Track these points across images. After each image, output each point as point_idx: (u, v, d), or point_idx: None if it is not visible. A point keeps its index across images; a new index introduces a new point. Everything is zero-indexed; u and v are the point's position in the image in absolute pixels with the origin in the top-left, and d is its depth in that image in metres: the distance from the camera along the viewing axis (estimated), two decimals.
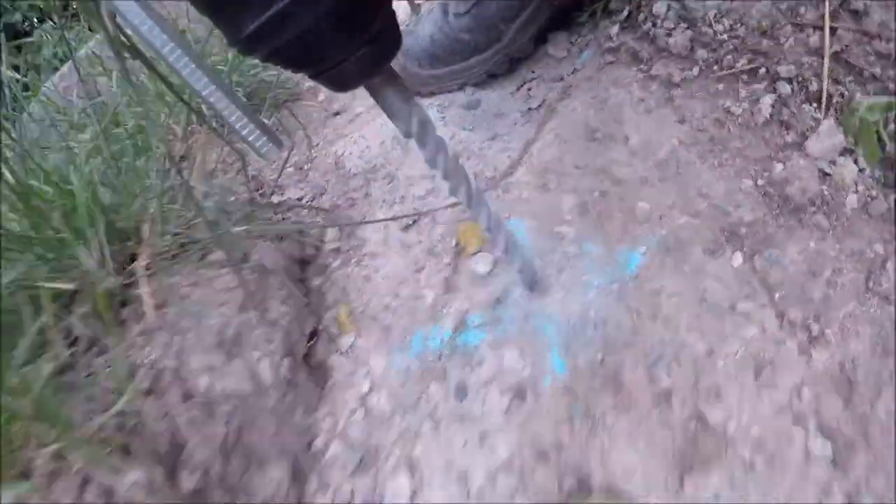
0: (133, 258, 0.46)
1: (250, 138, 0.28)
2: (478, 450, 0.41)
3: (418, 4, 0.76)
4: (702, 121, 0.53)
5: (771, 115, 0.50)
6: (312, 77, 0.29)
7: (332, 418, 0.46)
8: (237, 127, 0.28)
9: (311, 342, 0.50)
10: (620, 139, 0.55)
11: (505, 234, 0.41)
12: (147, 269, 0.45)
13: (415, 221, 0.56)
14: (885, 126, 0.44)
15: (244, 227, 0.50)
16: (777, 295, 0.42)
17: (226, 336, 0.45)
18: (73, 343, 0.41)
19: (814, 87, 0.49)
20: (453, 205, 0.55)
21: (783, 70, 0.50)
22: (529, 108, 0.63)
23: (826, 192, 0.45)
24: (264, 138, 0.29)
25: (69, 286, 0.41)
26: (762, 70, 0.52)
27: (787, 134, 0.49)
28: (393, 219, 0.56)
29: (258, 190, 0.63)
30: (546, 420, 0.41)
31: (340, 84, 0.29)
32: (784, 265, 0.43)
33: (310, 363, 0.50)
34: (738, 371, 0.40)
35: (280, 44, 0.25)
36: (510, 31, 0.65)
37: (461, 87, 0.68)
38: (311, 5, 0.23)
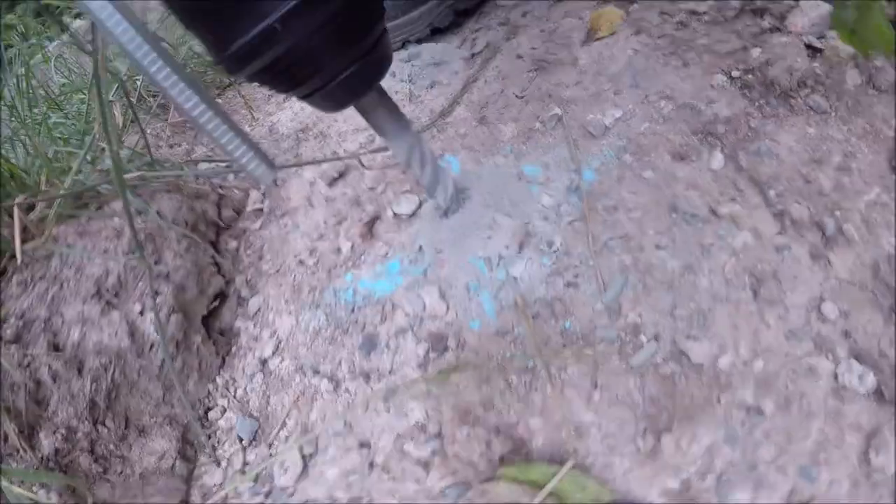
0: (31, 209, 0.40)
1: (243, 161, 0.26)
2: (383, 412, 0.31)
3: None
4: (662, 27, 0.44)
5: (742, 7, 0.41)
6: (302, 98, 0.28)
7: (231, 386, 0.37)
8: (229, 149, 0.26)
9: (217, 304, 0.43)
10: (569, 63, 0.47)
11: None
12: (41, 219, 0.39)
13: (341, 174, 0.48)
14: None
15: (138, 174, 0.45)
16: (772, 192, 0.32)
17: (104, 285, 0.38)
18: None
19: None
20: (381, 149, 0.47)
21: None
22: (473, 54, 0.56)
23: (819, 70, 0.35)
24: (257, 161, 0.26)
25: None
26: None
27: (763, 20, 0.40)
28: (304, 164, 0.49)
29: (187, 160, 0.58)
30: (472, 373, 0.30)
31: (331, 103, 0.28)
32: (779, 157, 0.33)
33: (214, 328, 0.42)
34: (728, 290, 0.29)
35: (267, 62, 0.24)
36: None
37: (403, 45, 0.62)
38: (299, 24, 0.22)
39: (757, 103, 0.36)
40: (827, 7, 0.37)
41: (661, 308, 0.30)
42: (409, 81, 0.56)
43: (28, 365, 0.34)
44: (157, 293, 0.39)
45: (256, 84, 0.27)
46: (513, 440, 0.28)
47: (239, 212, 0.51)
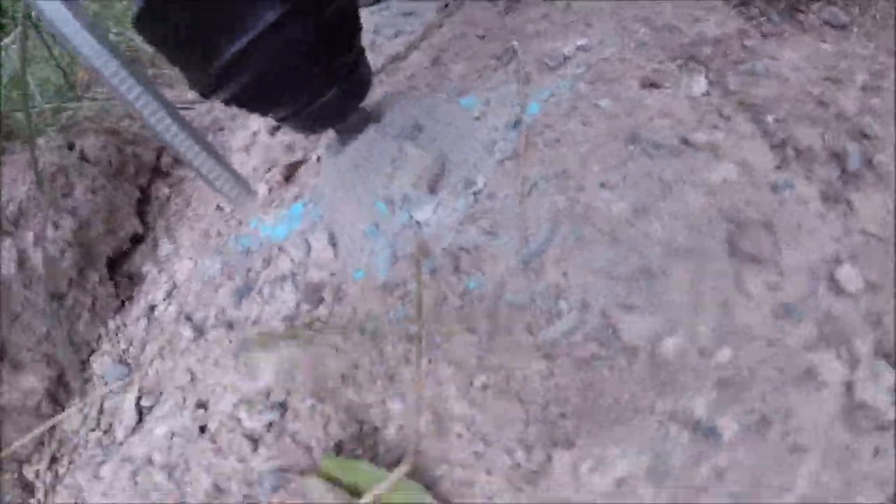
0: None
1: (217, 183, 0.24)
2: (231, 369, 0.23)
3: None
4: None
5: None
6: (278, 121, 0.27)
7: (121, 331, 0.33)
8: (204, 172, 0.24)
9: (130, 248, 0.39)
10: (538, 2, 0.39)
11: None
12: None
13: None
14: None
15: (53, 104, 0.42)
16: (770, 117, 0.22)
17: (4, 212, 0.35)
18: None
19: None
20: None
21: None
22: (446, 4, 0.50)
23: None
24: (232, 182, 0.25)
25: None
26: None
27: None
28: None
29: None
30: (339, 334, 0.22)
31: (307, 129, 0.29)
32: (781, 76, 0.24)
33: (122, 271, 0.39)
34: (693, 240, 0.20)
35: (239, 87, 0.23)
36: None
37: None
38: (267, 48, 0.22)
39: (755, 21, 0.27)
40: None
41: (596, 266, 0.21)
42: (374, 32, 0.51)
43: None
44: (56, 226, 0.36)
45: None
46: (361, 424, 0.19)
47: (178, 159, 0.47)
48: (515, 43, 0.36)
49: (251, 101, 0.25)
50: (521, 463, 0.17)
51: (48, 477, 0.28)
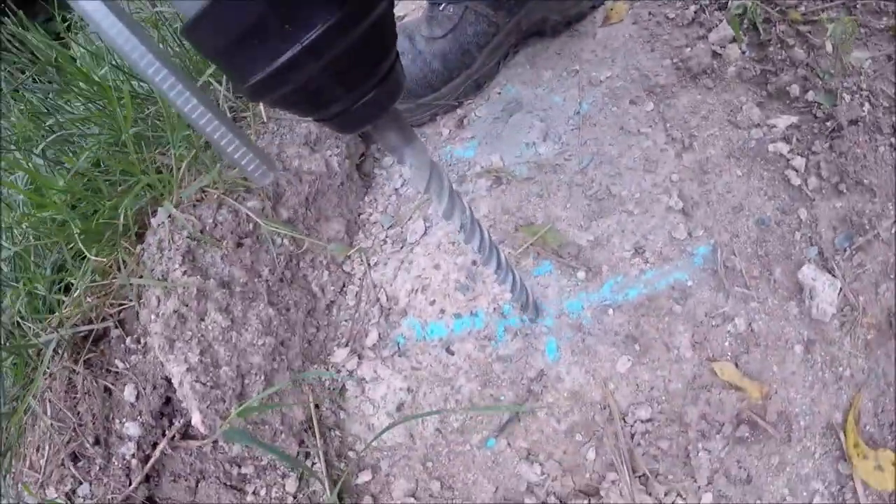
0: None
1: (242, 162, 0.26)
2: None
3: None
4: (647, 22, 0.74)
5: (692, 19, 0.71)
6: (319, 121, 0.29)
7: (374, 202, 0.71)
8: (228, 150, 0.25)
9: (363, 158, 0.75)
10: (590, 36, 0.76)
11: (510, 271, 0.47)
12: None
13: None
14: (749, 16, 0.65)
15: None
16: (668, 125, 0.64)
17: (310, 138, 0.69)
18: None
19: None
20: None
21: None
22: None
23: (715, 66, 0.66)
24: (257, 161, 0.26)
25: None
26: None
27: (700, 30, 0.69)
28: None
29: None
30: (516, 193, 0.65)
31: (345, 128, 0.29)
32: (677, 107, 0.65)
33: (361, 172, 0.75)
34: (634, 165, 0.63)
35: (286, 92, 0.25)
36: (481, 55, 0.67)
37: (432, 119, 0.71)
38: (316, 57, 0.23)
39: (680, 79, 0.67)
40: (730, 30, 0.66)
41: (605, 170, 0.63)
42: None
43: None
44: (337, 147, 0.72)
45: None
46: (527, 221, 0.63)
47: None
48: (577, 67, 0.73)
49: (295, 104, 0.26)
50: None
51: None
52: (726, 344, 0.52)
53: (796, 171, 0.58)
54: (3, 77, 0.63)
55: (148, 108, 0.58)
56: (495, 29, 0.68)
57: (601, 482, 0.49)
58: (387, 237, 0.66)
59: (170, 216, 0.55)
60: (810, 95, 0.61)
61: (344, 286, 0.64)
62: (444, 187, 0.37)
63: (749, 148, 0.61)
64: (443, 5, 0.66)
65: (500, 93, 0.73)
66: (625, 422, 0.50)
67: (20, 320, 0.54)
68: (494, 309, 0.58)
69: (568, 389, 0.53)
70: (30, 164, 0.56)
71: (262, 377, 0.55)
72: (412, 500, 0.52)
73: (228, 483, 0.54)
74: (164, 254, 0.55)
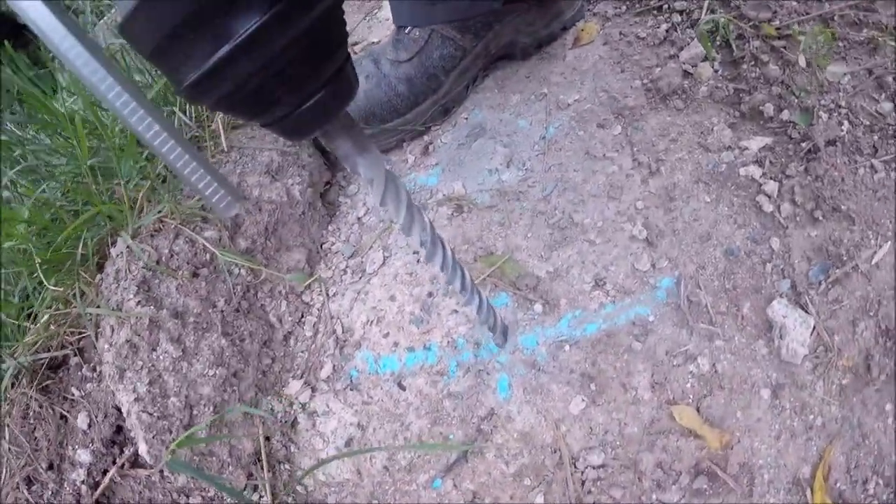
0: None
1: (207, 192, 0.25)
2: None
3: None
4: (618, 43, 0.71)
5: (664, 38, 0.68)
6: (264, 126, 0.27)
7: (337, 231, 0.71)
8: (192, 180, 0.24)
9: (328, 187, 0.74)
10: (560, 58, 0.75)
11: (476, 292, 0.44)
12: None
13: None
14: (721, 34, 0.61)
15: None
16: (635, 149, 0.61)
17: (272, 167, 0.67)
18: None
19: (696, 16, 0.66)
20: None
21: (678, 5, 0.68)
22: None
23: (686, 85, 0.63)
24: (221, 192, 0.25)
25: None
26: (665, 6, 0.69)
27: (671, 49, 0.66)
28: None
29: None
30: (477, 221, 0.63)
31: (292, 134, 0.28)
32: (644, 130, 0.62)
33: (325, 200, 0.75)
34: (598, 191, 0.60)
35: (224, 93, 0.23)
36: (448, 80, 0.65)
37: (398, 144, 0.70)
38: (253, 54, 0.22)
39: (650, 100, 0.64)
40: (702, 49, 0.63)
41: (568, 198, 0.61)
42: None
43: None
44: (300, 175, 0.72)
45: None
46: (487, 251, 0.61)
47: None
48: (546, 90, 0.71)
49: (236, 106, 0.25)
50: None
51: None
52: (688, 385, 0.49)
53: (769, 196, 0.54)
54: None
55: (111, 139, 0.60)
56: (462, 53, 0.66)
57: None
58: (347, 267, 0.66)
59: (128, 247, 0.56)
60: (785, 114, 0.57)
61: (303, 316, 0.63)
62: (402, 200, 0.34)
63: (719, 172, 0.57)
64: (408, 28, 0.65)
65: (466, 118, 0.72)
66: (575, 467, 0.47)
67: None
68: (448, 343, 0.56)
69: (518, 430, 0.50)
70: None
71: (212, 408, 0.55)
72: None
73: None
74: (119, 284, 0.56)
